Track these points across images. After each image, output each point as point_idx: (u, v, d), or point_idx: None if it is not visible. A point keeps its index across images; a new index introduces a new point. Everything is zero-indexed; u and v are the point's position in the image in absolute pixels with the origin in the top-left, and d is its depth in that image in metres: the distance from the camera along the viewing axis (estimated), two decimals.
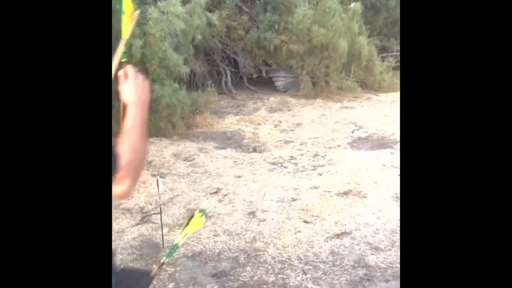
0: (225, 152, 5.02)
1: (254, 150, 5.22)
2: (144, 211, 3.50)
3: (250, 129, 6.01)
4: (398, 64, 10.60)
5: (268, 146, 5.31)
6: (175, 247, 1.68)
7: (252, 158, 4.80)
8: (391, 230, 3.14)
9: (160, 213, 3.04)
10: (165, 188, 3.78)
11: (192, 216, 1.63)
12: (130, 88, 1.15)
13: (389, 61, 9.10)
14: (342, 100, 8.09)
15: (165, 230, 3.11)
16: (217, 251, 2.92)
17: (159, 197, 2.96)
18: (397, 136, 5.38)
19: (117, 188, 1.10)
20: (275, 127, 6.21)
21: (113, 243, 1.56)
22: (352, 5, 8.77)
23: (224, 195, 3.79)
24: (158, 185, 2.83)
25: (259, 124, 6.33)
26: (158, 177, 2.92)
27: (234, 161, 4.72)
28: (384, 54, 10.07)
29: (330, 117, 6.74)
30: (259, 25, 9.47)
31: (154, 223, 3.27)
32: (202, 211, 1.63)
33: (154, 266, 1.49)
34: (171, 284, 2.57)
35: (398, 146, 5.02)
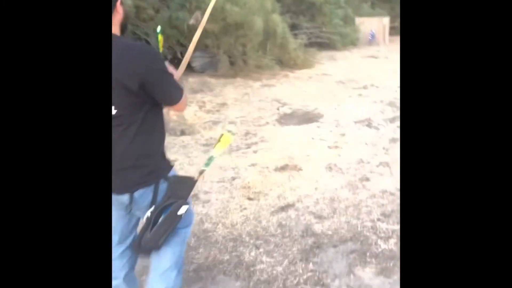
0: None
1: (183, 133, 5.14)
2: None
3: (174, 112, 5.89)
4: (310, 41, 11.00)
5: (196, 128, 5.25)
6: (211, 159, 1.91)
7: (183, 141, 4.74)
8: (329, 198, 3.32)
9: None
10: None
11: (222, 135, 1.91)
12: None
13: (302, 38, 9.39)
14: (261, 78, 8.22)
15: None
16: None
17: None
18: (320, 111, 5.64)
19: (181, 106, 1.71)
20: (200, 108, 6.15)
21: None
22: None
23: None
24: None
25: None
26: None
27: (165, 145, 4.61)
28: (295, 32, 10.36)
29: (253, 95, 6.83)
30: (170, 4, 9.19)
31: None
32: (230, 131, 2.05)
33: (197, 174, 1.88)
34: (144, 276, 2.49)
35: (323, 120, 5.28)
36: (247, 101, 6.51)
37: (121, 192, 1.67)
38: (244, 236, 2.85)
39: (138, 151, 1.65)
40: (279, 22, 8.51)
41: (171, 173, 1.77)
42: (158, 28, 1.84)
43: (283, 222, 3.00)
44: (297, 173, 3.74)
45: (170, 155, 4.19)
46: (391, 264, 2.51)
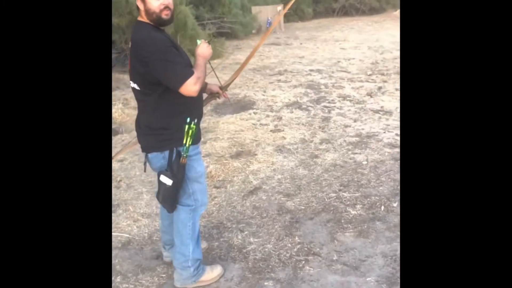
0: None
1: (117, 132, 4.96)
2: None
3: None
4: (221, 31, 11.09)
5: (130, 126, 5.10)
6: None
7: (123, 140, 4.59)
8: (290, 177, 3.54)
9: None
10: None
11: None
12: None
13: (210, 29, 9.43)
14: None
15: None
16: (145, 235, 2.85)
17: None
18: (250, 98, 5.81)
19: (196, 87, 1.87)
20: (125, 106, 5.94)
21: None
22: None
23: (119, 181, 3.60)
24: None
25: None
26: None
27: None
28: (198, 23, 10.35)
29: None
30: None
31: None
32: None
33: None
34: (119, 277, 2.45)
35: (256, 106, 5.47)
36: None
37: (143, 150, 2.12)
38: (225, 222, 2.94)
39: (155, 122, 2.00)
40: (189, 13, 8.46)
41: (195, 150, 2.11)
42: (199, 41, 2.09)
43: (257, 204, 3.14)
44: (253, 158, 3.89)
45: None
46: (366, 226, 2.80)
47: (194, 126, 2.02)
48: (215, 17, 11.75)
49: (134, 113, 5.58)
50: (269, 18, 14.59)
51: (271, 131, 4.55)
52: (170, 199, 2.10)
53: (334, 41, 11.27)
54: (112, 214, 3.06)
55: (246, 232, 2.81)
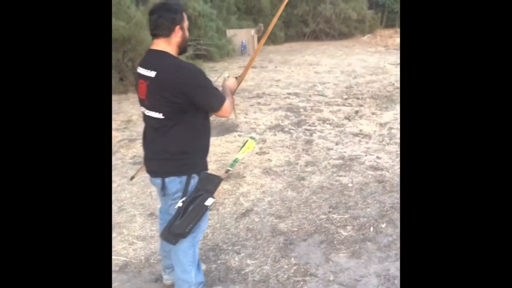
0: None
1: None
2: None
3: None
4: (197, 53, 11.20)
5: (114, 148, 5.08)
6: (236, 161, 2.38)
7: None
8: (280, 200, 3.63)
9: None
10: None
11: (246, 141, 2.33)
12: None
13: (188, 51, 9.53)
14: None
15: None
16: (142, 258, 2.86)
17: None
18: (233, 120, 5.90)
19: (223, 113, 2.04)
20: None
21: None
22: None
23: None
24: None
25: None
26: None
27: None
28: None
29: None
30: None
31: None
32: (253, 138, 2.39)
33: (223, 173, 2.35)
34: None
35: (239, 129, 5.56)
36: None
37: (155, 176, 2.12)
38: (220, 244, 2.99)
39: (176, 147, 2.03)
40: None
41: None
42: (226, 74, 2.27)
43: (250, 226, 3.21)
44: (242, 180, 3.96)
45: None
46: (357, 247, 2.92)
47: (253, 141, 2.29)
48: (191, 39, 11.89)
49: (118, 134, 5.59)
50: (243, 41, 14.88)
51: (257, 153, 4.65)
52: (185, 226, 2.07)
53: (307, 65, 11.57)
54: None
55: (242, 254, 2.87)
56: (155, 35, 1.97)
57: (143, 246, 2.98)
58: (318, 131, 5.50)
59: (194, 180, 2.08)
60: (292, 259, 2.80)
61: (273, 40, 19.81)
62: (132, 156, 4.77)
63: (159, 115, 1.97)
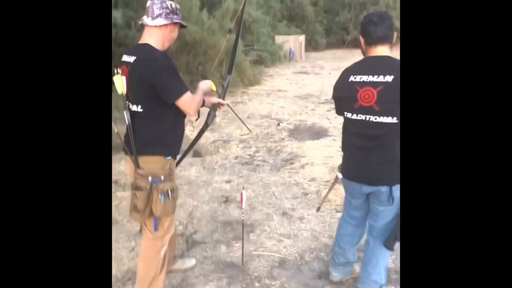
0: None
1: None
2: None
3: None
4: (250, 58, 11.35)
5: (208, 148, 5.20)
6: None
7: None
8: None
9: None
10: None
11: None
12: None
13: (252, 56, 9.68)
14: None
15: None
16: (296, 255, 2.91)
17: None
18: (318, 125, 5.97)
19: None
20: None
21: None
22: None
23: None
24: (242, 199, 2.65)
25: None
26: (243, 191, 2.70)
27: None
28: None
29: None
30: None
31: None
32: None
33: None
34: None
35: (330, 133, 5.62)
36: (233, 118, 6.57)
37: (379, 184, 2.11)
38: None
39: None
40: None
41: None
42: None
43: None
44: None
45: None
46: None
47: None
48: (245, 44, 12.06)
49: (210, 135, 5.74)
50: (291, 48, 15.00)
51: None
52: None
53: None
54: (253, 233, 3.14)
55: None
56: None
57: (292, 244, 3.04)
58: None
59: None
60: None
61: (314, 47, 19.92)
62: (234, 156, 4.88)
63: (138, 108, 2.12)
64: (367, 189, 2.16)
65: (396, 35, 2.07)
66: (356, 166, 2.17)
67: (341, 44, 22.04)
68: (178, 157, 2.40)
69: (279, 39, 14.55)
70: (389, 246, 2.17)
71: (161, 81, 1.99)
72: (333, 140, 5.28)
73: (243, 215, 2.72)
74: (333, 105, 7.70)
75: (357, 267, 2.61)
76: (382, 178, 2.07)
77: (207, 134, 5.69)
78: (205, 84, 2.29)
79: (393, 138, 1.99)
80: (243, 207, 2.67)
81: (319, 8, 20.55)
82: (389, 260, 2.67)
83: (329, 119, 6.32)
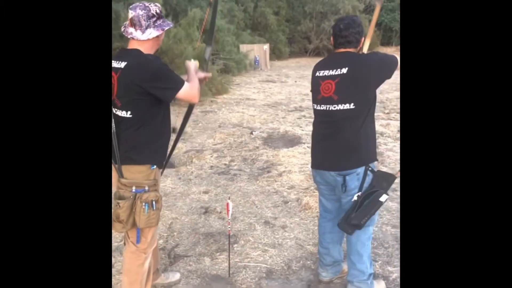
0: None
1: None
2: None
3: None
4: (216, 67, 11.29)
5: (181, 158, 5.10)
6: None
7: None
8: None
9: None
10: None
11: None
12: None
13: (218, 64, 9.63)
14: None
15: None
16: (283, 265, 2.87)
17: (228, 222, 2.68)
18: (291, 132, 5.98)
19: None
20: None
21: None
22: None
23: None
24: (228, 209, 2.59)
25: None
26: (229, 200, 2.63)
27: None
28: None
29: (203, 121, 6.82)
30: None
31: None
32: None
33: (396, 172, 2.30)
34: None
35: (303, 140, 5.64)
36: (204, 127, 6.49)
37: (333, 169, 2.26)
38: None
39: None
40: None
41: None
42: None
43: None
44: None
45: None
46: None
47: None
48: (213, 53, 12.01)
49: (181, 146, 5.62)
50: (256, 56, 15.08)
51: None
52: (361, 218, 2.20)
53: None
54: (237, 244, 3.07)
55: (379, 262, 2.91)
56: None
57: (277, 253, 2.99)
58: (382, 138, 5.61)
59: (370, 176, 2.22)
60: None
61: (277, 55, 20.11)
62: (209, 166, 4.80)
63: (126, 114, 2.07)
64: (329, 176, 2.28)
65: (363, 40, 2.27)
66: (319, 154, 2.33)
67: (304, 52, 22.38)
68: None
69: (244, 47, 14.59)
70: (340, 227, 2.28)
71: (160, 81, 1.96)
72: (307, 147, 5.30)
73: (229, 226, 2.66)
74: (303, 113, 7.84)
75: (345, 266, 2.63)
76: (341, 165, 2.21)
77: (179, 144, 5.59)
78: (194, 66, 2.25)
79: (351, 123, 2.16)
80: (229, 217, 2.61)
81: (281, 17, 20.81)
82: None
83: (301, 127, 6.36)
